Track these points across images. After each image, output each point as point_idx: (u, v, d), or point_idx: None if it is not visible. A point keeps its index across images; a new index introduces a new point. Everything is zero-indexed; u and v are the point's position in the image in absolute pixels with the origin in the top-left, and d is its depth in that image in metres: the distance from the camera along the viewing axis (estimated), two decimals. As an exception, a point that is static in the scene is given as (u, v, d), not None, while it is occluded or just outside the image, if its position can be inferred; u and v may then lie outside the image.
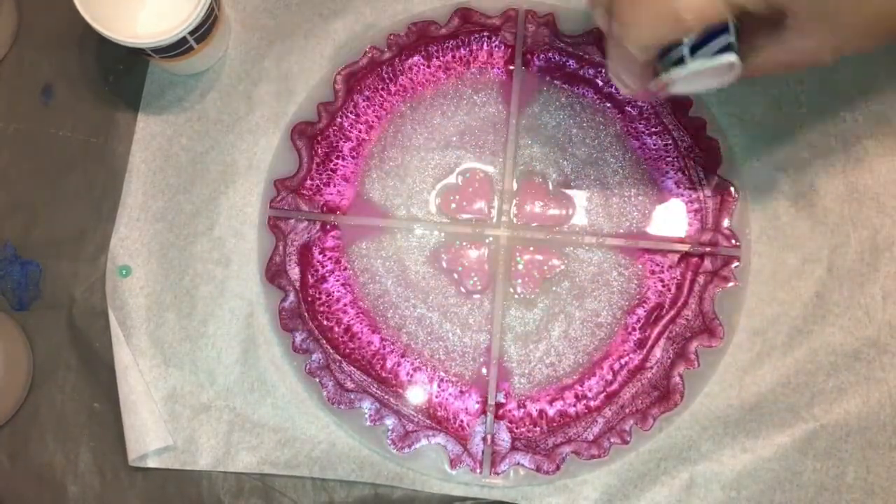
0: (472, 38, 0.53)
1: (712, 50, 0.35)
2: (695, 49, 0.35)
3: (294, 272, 0.51)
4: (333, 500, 0.50)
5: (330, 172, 0.53)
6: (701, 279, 0.51)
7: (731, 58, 0.35)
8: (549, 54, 0.53)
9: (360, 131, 0.53)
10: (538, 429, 0.50)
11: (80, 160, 0.53)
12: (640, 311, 0.51)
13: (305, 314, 0.51)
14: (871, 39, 0.34)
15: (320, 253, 0.52)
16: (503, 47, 0.53)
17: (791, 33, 0.35)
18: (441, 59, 0.54)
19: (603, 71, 0.52)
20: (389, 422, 0.49)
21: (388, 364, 0.51)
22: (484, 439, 0.49)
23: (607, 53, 0.41)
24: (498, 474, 0.49)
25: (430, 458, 0.49)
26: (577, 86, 0.53)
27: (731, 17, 0.34)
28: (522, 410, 0.50)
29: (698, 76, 0.36)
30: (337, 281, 0.52)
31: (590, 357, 0.51)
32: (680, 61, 0.36)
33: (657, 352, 0.50)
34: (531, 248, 0.52)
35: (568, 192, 0.52)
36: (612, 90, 0.53)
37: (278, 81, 0.54)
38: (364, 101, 0.53)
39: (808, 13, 0.33)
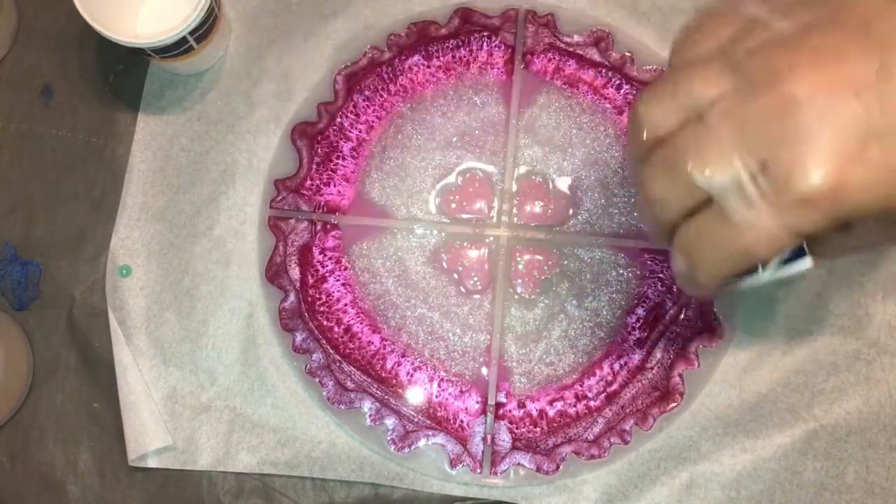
0: (472, 38, 0.53)
1: (784, 257, 0.33)
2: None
3: (294, 272, 0.51)
4: (333, 500, 0.50)
5: (330, 172, 0.53)
6: (701, 279, 0.51)
7: (806, 264, 0.33)
8: (549, 54, 0.53)
9: (360, 131, 0.53)
10: (538, 429, 0.50)
11: (79, 160, 0.53)
12: (640, 311, 0.51)
13: (305, 314, 0.51)
14: None
15: (320, 253, 0.52)
16: (503, 47, 0.53)
17: (859, 230, 0.33)
18: (441, 59, 0.54)
19: (603, 71, 0.53)
20: (390, 422, 0.49)
21: (389, 364, 0.51)
22: (484, 439, 0.49)
23: (676, 269, 0.36)
24: (498, 474, 0.49)
25: (430, 458, 0.49)
26: (577, 86, 0.53)
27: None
28: (522, 410, 0.50)
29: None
30: (337, 281, 0.52)
31: (590, 357, 0.51)
32: (752, 271, 0.34)
33: (657, 352, 0.50)
34: (531, 248, 0.52)
35: (568, 192, 0.52)
36: (612, 90, 0.53)
37: (278, 81, 0.54)
38: (364, 101, 0.53)
39: (875, 220, 0.32)
